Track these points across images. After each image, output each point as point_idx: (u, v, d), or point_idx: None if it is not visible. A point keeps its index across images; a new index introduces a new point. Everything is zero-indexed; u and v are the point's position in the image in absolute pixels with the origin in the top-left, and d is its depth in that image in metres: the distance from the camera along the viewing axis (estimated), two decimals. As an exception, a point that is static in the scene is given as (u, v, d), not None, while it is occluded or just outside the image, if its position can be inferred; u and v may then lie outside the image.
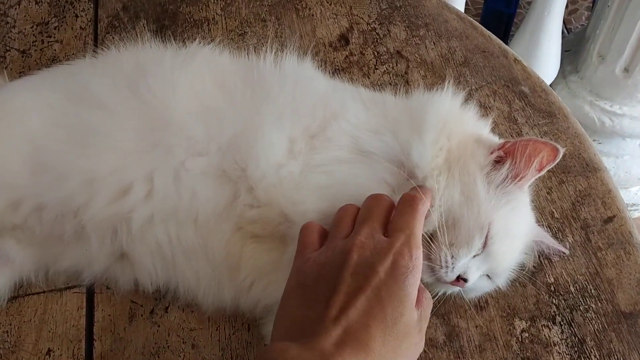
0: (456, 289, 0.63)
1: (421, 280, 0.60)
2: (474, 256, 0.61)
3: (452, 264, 0.60)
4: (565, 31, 1.74)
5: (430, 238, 0.60)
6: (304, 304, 0.52)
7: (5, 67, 0.90)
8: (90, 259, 0.67)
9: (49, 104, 0.69)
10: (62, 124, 0.67)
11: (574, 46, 1.72)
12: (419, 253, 0.52)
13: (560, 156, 0.61)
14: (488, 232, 0.61)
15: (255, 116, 0.66)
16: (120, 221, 0.65)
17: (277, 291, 0.63)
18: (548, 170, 0.64)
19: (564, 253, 0.70)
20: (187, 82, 0.68)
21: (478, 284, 0.64)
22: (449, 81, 0.68)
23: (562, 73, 1.67)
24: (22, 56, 0.91)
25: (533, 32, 1.56)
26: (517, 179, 0.62)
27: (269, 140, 0.65)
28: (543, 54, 1.57)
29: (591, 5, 2.09)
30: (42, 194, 0.66)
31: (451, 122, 0.66)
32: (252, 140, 0.65)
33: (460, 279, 0.60)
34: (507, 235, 0.63)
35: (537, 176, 0.63)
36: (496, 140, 0.67)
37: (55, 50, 0.92)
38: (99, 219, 0.64)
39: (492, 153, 0.63)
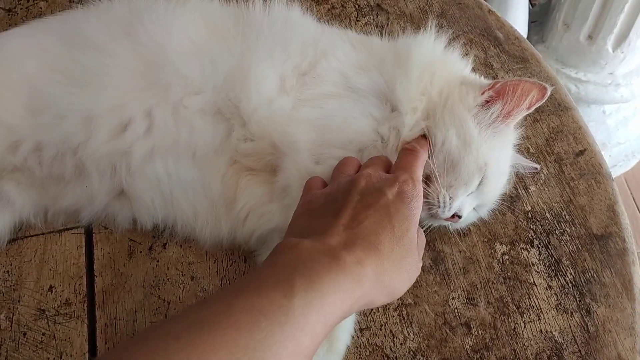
0: (447, 222, 0.67)
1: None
2: (468, 194, 0.65)
3: (450, 203, 0.63)
4: (530, 6, 1.79)
5: (427, 179, 0.63)
6: (312, 219, 0.55)
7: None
8: (91, 196, 0.69)
9: (44, 49, 0.71)
10: (59, 66, 0.69)
11: (540, 17, 1.78)
12: (420, 188, 0.56)
13: (548, 95, 0.64)
14: (485, 172, 0.65)
15: (246, 55, 0.69)
16: (120, 157, 0.67)
17: (272, 221, 0.67)
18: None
19: (536, 168, 0.75)
20: (181, 25, 0.70)
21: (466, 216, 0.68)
22: (432, 22, 0.71)
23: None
24: (8, 14, 0.92)
25: (500, 3, 1.61)
26: (507, 118, 0.66)
27: (260, 75, 0.68)
28: (511, 23, 1.62)
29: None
30: (41, 133, 0.68)
31: (435, 63, 0.69)
32: (244, 76, 0.68)
33: (455, 216, 0.65)
34: (498, 172, 0.67)
35: (525, 114, 0.66)
36: (483, 80, 0.70)
37: (41, 8, 0.93)
38: (99, 155, 0.67)
39: (483, 93, 0.65)
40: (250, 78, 0.67)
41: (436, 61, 0.69)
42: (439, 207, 0.63)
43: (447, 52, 0.72)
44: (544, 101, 0.65)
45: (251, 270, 0.48)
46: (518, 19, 1.63)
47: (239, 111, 0.67)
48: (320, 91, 0.68)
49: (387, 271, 0.50)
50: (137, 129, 0.67)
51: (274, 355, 0.41)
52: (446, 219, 0.65)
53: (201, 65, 0.68)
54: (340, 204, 0.53)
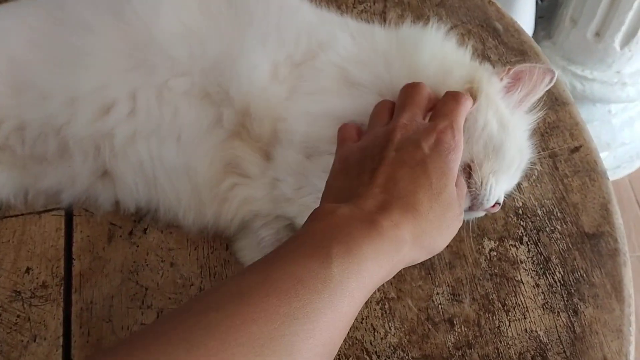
0: (482, 214, 0.66)
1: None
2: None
3: (494, 189, 0.61)
4: (540, 1, 1.76)
5: (468, 169, 0.61)
6: (349, 178, 0.53)
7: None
8: (73, 176, 0.67)
9: (29, 26, 0.69)
10: (43, 45, 0.68)
11: (548, 12, 1.75)
12: (460, 136, 0.54)
13: (555, 79, 0.66)
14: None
15: (238, 39, 0.67)
16: (103, 138, 0.65)
17: (254, 205, 0.65)
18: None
19: None
20: (171, 4, 0.68)
21: None
22: (432, 15, 0.69)
23: (536, 39, 1.69)
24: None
25: (507, -3, 1.59)
26: (521, 103, 0.66)
27: (252, 62, 0.66)
28: (517, 17, 1.59)
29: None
30: (23, 112, 0.66)
31: (443, 55, 0.67)
32: (234, 62, 0.66)
33: (496, 204, 0.63)
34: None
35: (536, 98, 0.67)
36: (490, 67, 0.69)
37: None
38: (82, 136, 0.65)
39: (502, 80, 0.65)
40: (241, 64, 0.66)
41: (444, 53, 0.67)
42: (484, 195, 0.61)
43: (448, 41, 0.69)
44: (551, 85, 0.66)
45: (288, 239, 0.47)
46: (525, 13, 1.61)
47: (230, 97, 0.65)
48: (320, 86, 0.66)
49: (426, 231, 0.49)
50: (121, 111, 0.65)
51: (312, 323, 0.41)
52: (487, 209, 0.63)
53: (189, 46, 0.66)
54: (377, 162, 0.52)
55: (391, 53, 0.67)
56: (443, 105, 0.57)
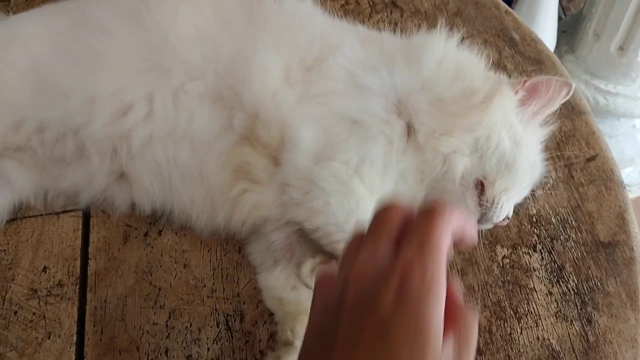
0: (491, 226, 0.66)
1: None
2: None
3: (505, 207, 0.61)
4: (563, 15, 1.75)
5: (481, 184, 0.61)
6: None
7: (10, 10, 0.92)
8: (91, 178, 0.69)
9: (51, 30, 0.71)
10: (64, 47, 0.70)
11: (571, 27, 1.74)
12: (436, 268, 0.37)
13: (572, 92, 0.65)
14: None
15: (251, 42, 0.68)
16: (120, 140, 0.67)
17: (264, 210, 0.66)
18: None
19: None
20: (187, 10, 0.70)
21: None
22: (442, 23, 0.69)
23: (559, 53, 1.69)
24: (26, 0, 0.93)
25: (529, 10, 1.58)
26: (537, 116, 0.65)
27: (264, 66, 0.67)
28: (539, 31, 1.59)
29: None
30: (43, 113, 0.68)
31: (453, 62, 0.67)
32: (247, 65, 0.67)
33: (505, 218, 0.63)
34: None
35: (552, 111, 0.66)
36: (505, 78, 0.68)
37: (59, -6, 0.94)
38: (99, 137, 0.67)
39: (517, 92, 0.64)
40: (253, 67, 0.67)
41: (455, 59, 0.67)
42: (494, 213, 0.61)
43: (462, 50, 0.70)
44: (568, 97, 0.65)
45: None
46: (547, 27, 1.60)
47: (242, 101, 0.66)
48: (326, 88, 0.67)
49: None
50: (138, 114, 0.66)
51: None
52: (495, 223, 0.63)
53: (203, 49, 0.68)
54: (330, 343, 0.38)
55: (396, 57, 0.68)
56: (412, 230, 0.39)
